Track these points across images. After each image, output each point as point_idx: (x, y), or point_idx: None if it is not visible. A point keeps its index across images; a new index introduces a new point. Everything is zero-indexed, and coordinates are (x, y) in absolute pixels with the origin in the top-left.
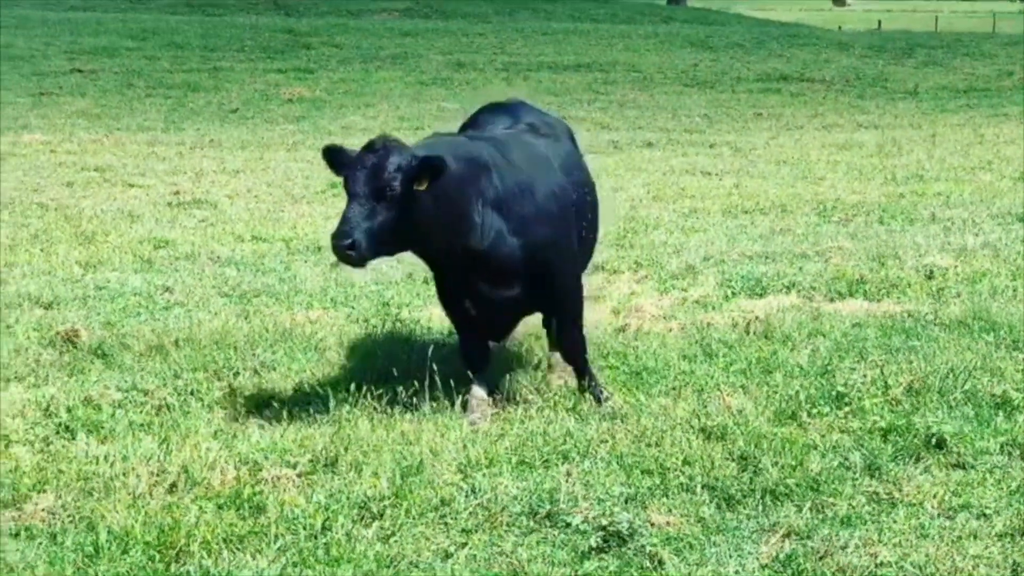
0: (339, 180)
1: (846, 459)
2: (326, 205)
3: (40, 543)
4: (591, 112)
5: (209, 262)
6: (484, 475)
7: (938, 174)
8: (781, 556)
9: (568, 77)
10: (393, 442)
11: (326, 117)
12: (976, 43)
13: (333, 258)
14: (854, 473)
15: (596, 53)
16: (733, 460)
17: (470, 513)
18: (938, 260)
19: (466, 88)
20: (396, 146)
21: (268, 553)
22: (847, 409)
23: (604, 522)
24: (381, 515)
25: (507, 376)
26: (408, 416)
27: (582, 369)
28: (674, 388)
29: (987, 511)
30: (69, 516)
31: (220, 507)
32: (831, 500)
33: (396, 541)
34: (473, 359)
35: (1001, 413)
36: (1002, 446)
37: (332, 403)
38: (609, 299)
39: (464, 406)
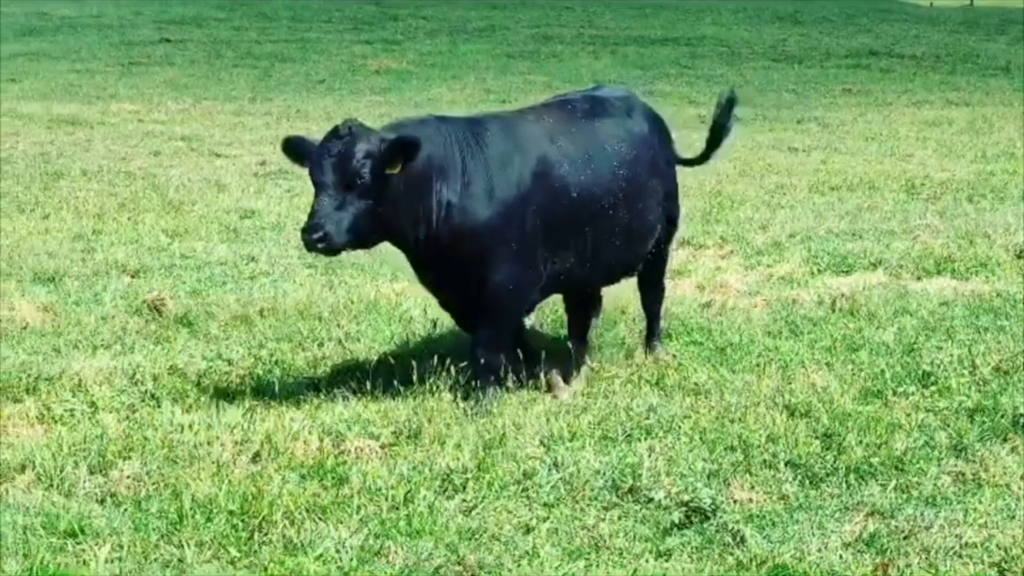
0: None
1: (931, 439)
2: None
3: (125, 509)
4: (678, 87)
5: (294, 233)
6: (567, 449)
7: None
8: (864, 535)
9: (655, 51)
10: (476, 414)
11: (412, 89)
12: None
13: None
14: (939, 453)
15: (684, 27)
16: (817, 438)
17: (552, 487)
18: None
19: (552, 61)
20: (363, 131)
21: (350, 524)
22: (933, 388)
23: (686, 498)
24: (463, 487)
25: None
26: (491, 389)
27: (478, 372)
28: (758, 364)
29: None
30: (154, 483)
31: (303, 477)
32: (916, 480)
33: (478, 514)
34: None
35: None
36: None
37: (416, 375)
38: (694, 274)
39: (548, 385)
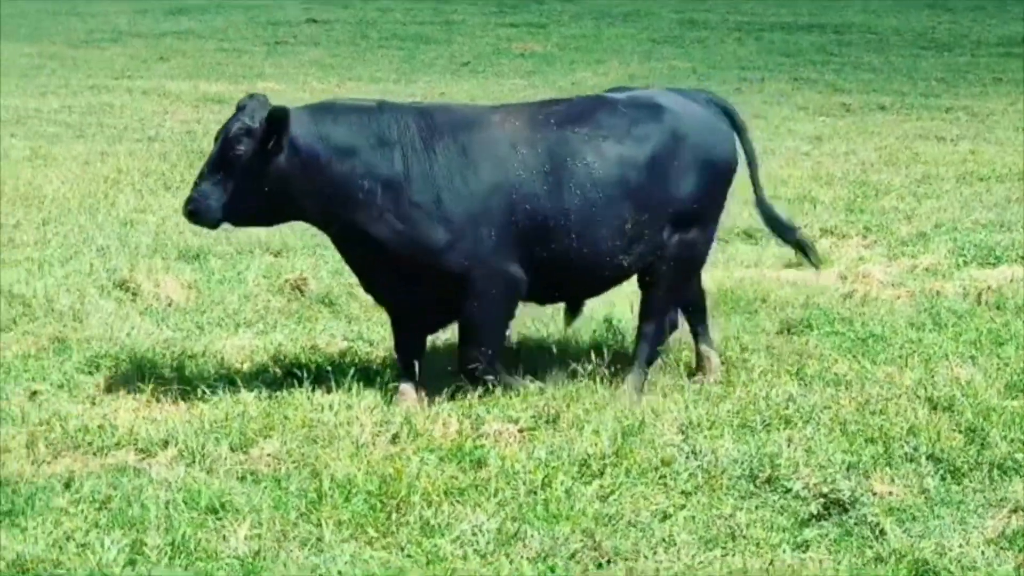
0: None
1: None
2: None
3: (265, 487)
4: (824, 74)
5: None
6: (705, 437)
7: None
8: (1008, 532)
9: (801, 38)
10: (614, 401)
11: (556, 72)
12: None
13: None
14: None
15: (831, 14)
16: (960, 432)
17: (690, 475)
18: None
19: (697, 47)
20: (254, 105)
21: (487, 507)
22: None
23: (825, 489)
24: (601, 473)
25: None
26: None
27: (472, 380)
28: (900, 356)
29: None
30: (294, 462)
31: (441, 459)
32: None
33: (615, 500)
34: (399, 347)
35: None
36: None
37: (555, 360)
38: (837, 264)
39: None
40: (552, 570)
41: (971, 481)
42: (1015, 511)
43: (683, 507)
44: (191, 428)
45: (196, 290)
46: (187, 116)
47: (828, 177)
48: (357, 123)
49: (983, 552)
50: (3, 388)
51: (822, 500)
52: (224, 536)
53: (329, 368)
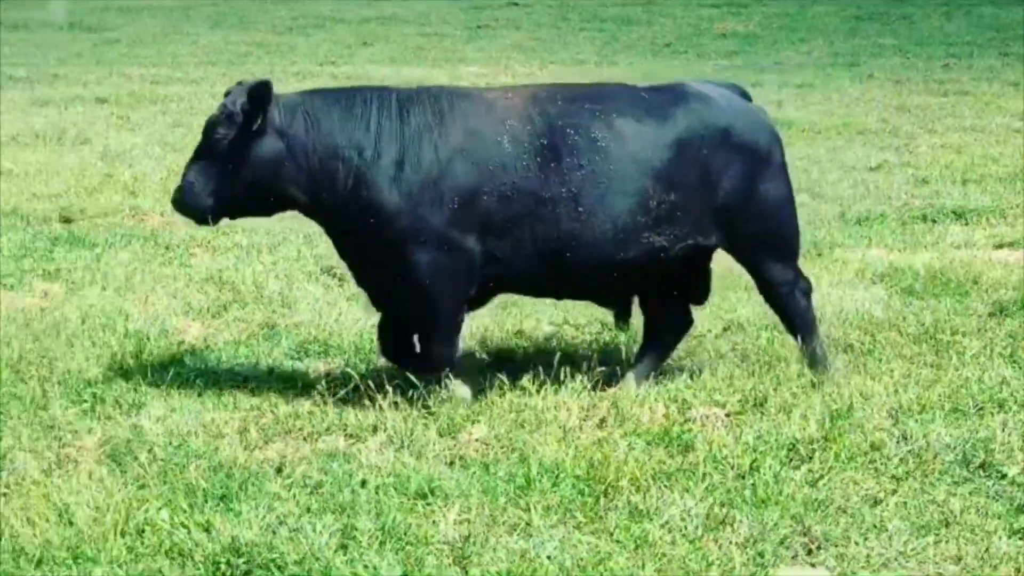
0: None
1: None
2: None
3: (473, 472)
4: None
5: None
6: (916, 421)
7: None
8: None
9: (1012, 12)
10: (822, 384)
11: (759, 52)
12: None
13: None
14: None
15: None
16: None
17: (900, 459)
18: None
19: (903, 23)
20: (238, 91)
21: (696, 492)
22: None
23: None
24: (810, 458)
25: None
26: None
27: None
28: None
29: None
30: (502, 447)
31: (649, 444)
32: None
33: (824, 485)
34: (383, 340)
35: None
36: None
37: (760, 343)
38: None
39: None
40: (761, 555)
41: None
42: None
43: (894, 492)
44: (400, 414)
45: None
46: None
47: None
48: (341, 106)
49: None
50: (218, 374)
51: None
52: (434, 521)
53: (536, 353)
